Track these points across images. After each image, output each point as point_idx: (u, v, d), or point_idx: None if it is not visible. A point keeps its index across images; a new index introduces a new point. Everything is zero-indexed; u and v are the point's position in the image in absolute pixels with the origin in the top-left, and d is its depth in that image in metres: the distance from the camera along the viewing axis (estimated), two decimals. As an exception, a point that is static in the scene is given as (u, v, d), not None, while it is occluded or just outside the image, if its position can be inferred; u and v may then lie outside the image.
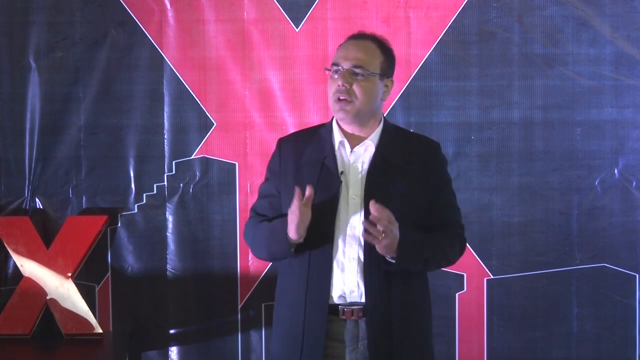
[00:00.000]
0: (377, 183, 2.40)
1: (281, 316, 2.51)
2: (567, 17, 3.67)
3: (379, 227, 2.27)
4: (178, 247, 3.74)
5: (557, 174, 3.70)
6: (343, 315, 2.40)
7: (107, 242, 3.74)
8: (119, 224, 3.74)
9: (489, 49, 3.68)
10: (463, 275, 3.72)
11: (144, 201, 3.74)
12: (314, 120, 3.58)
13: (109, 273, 3.75)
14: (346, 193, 2.41)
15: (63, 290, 3.64)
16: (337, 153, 2.46)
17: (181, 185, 3.74)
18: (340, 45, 2.50)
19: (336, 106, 2.42)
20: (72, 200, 3.74)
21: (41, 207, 3.73)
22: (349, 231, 2.40)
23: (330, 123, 2.52)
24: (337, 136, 2.47)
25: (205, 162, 3.73)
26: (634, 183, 3.70)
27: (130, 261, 3.75)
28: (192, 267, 3.74)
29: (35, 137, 3.71)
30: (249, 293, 3.72)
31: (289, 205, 2.40)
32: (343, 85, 2.40)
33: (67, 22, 3.69)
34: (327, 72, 2.49)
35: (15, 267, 3.68)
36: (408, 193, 2.42)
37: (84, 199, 3.74)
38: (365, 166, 2.43)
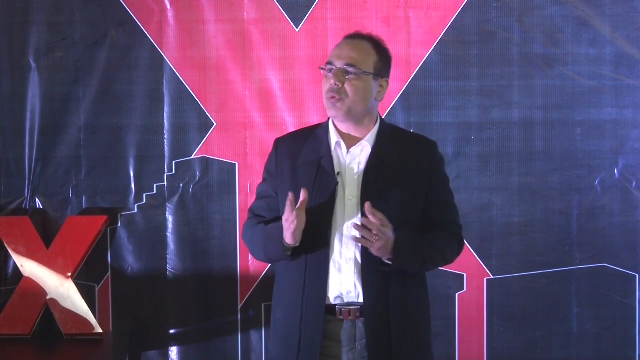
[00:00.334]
0: (373, 184, 2.40)
1: (278, 317, 2.51)
2: (567, 17, 3.67)
3: (373, 231, 2.27)
4: (178, 247, 3.74)
5: (557, 174, 3.70)
6: (340, 315, 2.40)
7: (107, 242, 3.74)
8: (119, 224, 3.74)
9: (489, 49, 3.68)
10: (463, 275, 3.72)
11: (144, 201, 3.74)
12: (314, 120, 3.58)
13: (109, 273, 3.75)
14: (342, 194, 2.41)
15: (63, 290, 3.64)
16: (334, 154, 2.46)
17: (181, 185, 3.74)
18: (336, 46, 2.51)
19: (328, 104, 2.43)
20: (72, 200, 3.74)
21: (41, 207, 3.73)
22: (345, 232, 2.40)
23: (327, 123, 2.52)
24: (334, 136, 2.47)
25: (205, 162, 3.73)
26: (634, 183, 3.70)
27: (130, 261, 3.75)
28: (192, 267, 3.74)
29: (35, 137, 3.71)
30: (249, 293, 3.72)
31: (285, 205, 2.41)
32: (335, 84, 2.40)
33: (67, 22, 3.69)
34: (322, 71, 2.49)
35: (15, 267, 3.68)
36: (405, 193, 2.42)
37: (84, 199, 3.74)
38: (362, 167, 2.43)
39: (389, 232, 2.30)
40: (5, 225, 3.65)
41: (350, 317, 2.39)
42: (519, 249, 3.72)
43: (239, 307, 3.73)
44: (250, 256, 3.69)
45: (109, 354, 3.52)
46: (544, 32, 3.67)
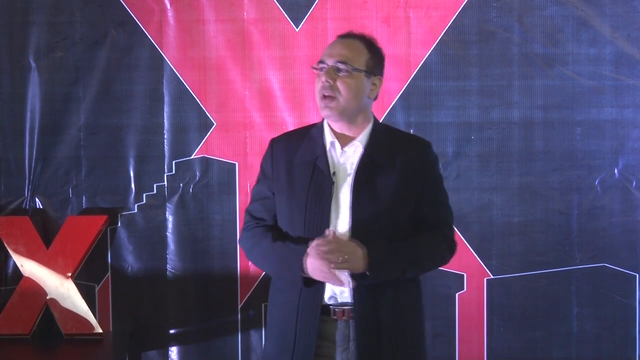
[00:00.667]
0: (364, 184, 2.40)
1: (274, 316, 2.51)
2: (567, 17, 3.67)
3: (334, 254, 2.28)
4: (178, 247, 3.74)
5: (557, 174, 3.70)
6: (334, 315, 2.40)
7: (107, 242, 3.74)
8: (119, 224, 3.74)
9: (489, 49, 3.68)
10: (463, 275, 3.72)
11: (144, 201, 3.74)
12: (314, 120, 3.56)
13: (109, 273, 3.75)
14: (336, 194, 2.41)
15: (63, 290, 3.64)
16: (329, 153, 2.46)
17: (181, 185, 3.74)
18: (329, 44, 2.51)
19: (321, 103, 2.43)
20: (72, 200, 3.74)
21: (41, 207, 3.74)
22: (339, 232, 2.39)
23: (322, 123, 2.52)
24: (328, 136, 2.47)
25: (205, 162, 3.73)
26: (634, 183, 3.70)
27: (130, 261, 3.75)
28: (192, 267, 3.74)
29: (35, 137, 3.71)
30: (249, 293, 3.72)
31: (283, 205, 2.44)
32: (327, 82, 2.40)
33: (67, 22, 3.69)
34: (314, 70, 2.49)
35: (15, 267, 3.68)
36: (397, 193, 2.41)
37: (84, 199, 3.74)
38: (354, 167, 2.43)
39: (357, 251, 2.31)
40: (5, 225, 3.65)
41: (344, 317, 2.40)
42: (519, 249, 3.72)
43: (239, 307, 3.73)
44: (250, 256, 3.69)
45: (109, 354, 3.52)
46: (544, 32, 3.68)
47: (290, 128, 3.62)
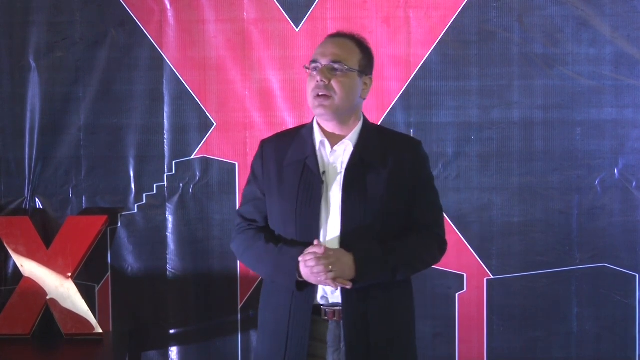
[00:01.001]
0: (354, 183, 2.40)
1: (266, 317, 2.51)
2: (567, 17, 3.67)
3: (324, 267, 2.29)
4: (178, 247, 3.74)
5: (557, 174, 3.70)
6: (325, 316, 2.40)
7: (107, 242, 3.74)
8: (119, 224, 3.74)
9: (489, 49, 3.68)
10: (463, 275, 3.72)
11: (144, 201, 3.74)
12: (314, 120, 3.58)
13: (109, 273, 3.75)
14: (327, 193, 2.41)
15: (63, 290, 3.64)
16: (318, 153, 2.45)
17: (181, 185, 3.74)
18: (319, 44, 2.51)
19: (315, 102, 2.42)
20: (72, 200, 3.74)
21: (41, 207, 3.74)
22: (329, 231, 2.40)
23: (312, 123, 2.52)
24: (318, 136, 2.47)
25: (205, 162, 3.73)
26: (634, 183, 3.70)
27: (130, 261, 3.75)
28: (192, 267, 3.74)
29: (35, 137, 3.71)
30: (249, 293, 3.72)
31: (274, 206, 2.44)
32: (322, 81, 2.40)
33: (67, 22, 3.69)
34: (306, 70, 2.48)
35: (15, 267, 3.68)
36: (387, 192, 2.41)
37: (84, 199, 3.74)
38: (344, 166, 2.43)
39: (344, 257, 2.31)
40: (5, 225, 3.65)
41: (335, 318, 2.40)
42: (519, 249, 3.72)
43: (239, 307, 3.73)
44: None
45: (109, 354, 3.52)
46: (544, 32, 3.68)
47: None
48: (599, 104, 3.69)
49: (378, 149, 2.46)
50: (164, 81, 3.71)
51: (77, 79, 3.71)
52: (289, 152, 2.47)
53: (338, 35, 2.51)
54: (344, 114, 2.45)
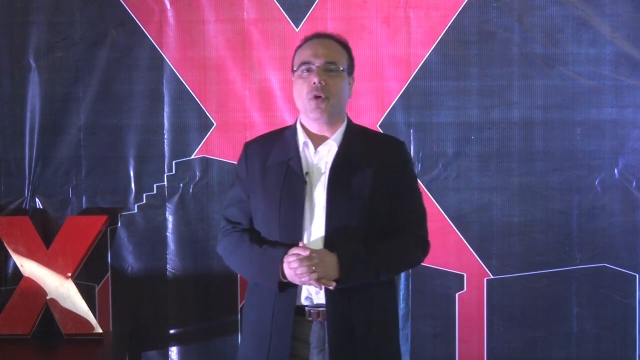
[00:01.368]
0: (339, 183, 2.40)
1: (250, 317, 2.51)
2: (567, 17, 3.68)
3: (308, 268, 2.29)
4: (178, 247, 3.74)
5: (557, 174, 3.70)
6: (309, 316, 2.40)
7: (107, 242, 3.74)
8: (119, 224, 3.74)
9: (489, 49, 3.68)
10: (463, 275, 3.73)
11: (144, 201, 3.74)
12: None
13: (109, 273, 3.75)
14: (310, 194, 2.41)
15: (63, 290, 3.64)
16: (302, 154, 2.45)
17: (181, 185, 3.74)
18: (302, 47, 2.50)
19: (311, 104, 2.42)
20: (72, 200, 3.74)
21: (41, 207, 3.74)
22: (313, 232, 2.40)
23: (295, 124, 2.52)
24: (301, 137, 2.47)
25: (205, 162, 3.73)
26: (634, 183, 3.70)
27: (130, 261, 3.75)
28: (192, 267, 3.74)
29: (35, 137, 3.71)
30: (249, 293, 3.72)
31: (258, 208, 2.44)
32: (320, 82, 2.40)
33: (67, 22, 3.69)
34: (294, 73, 2.48)
35: (15, 267, 3.68)
36: (371, 192, 2.41)
37: (84, 199, 3.74)
38: (328, 166, 2.43)
39: (327, 257, 2.31)
40: (5, 225, 3.65)
41: (319, 319, 2.40)
42: (519, 249, 3.72)
43: (239, 307, 3.73)
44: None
45: (109, 354, 3.52)
46: (544, 32, 3.68)
47: (290, 128, 3.63)
48: (599, 104, 3.69)
49: (362, 150, 2.46)
50: (164, 81, 3.71)
51: (77, 79, 3.71)
52: (273, 154, 2.48)
53: (322, 36, 2.51)
54: (335, 115, 2.46)
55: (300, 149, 2.46)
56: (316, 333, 2.40)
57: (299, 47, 2.52)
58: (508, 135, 3.70)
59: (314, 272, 2.30)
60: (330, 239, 2.36)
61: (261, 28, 3.69)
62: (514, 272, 3.72)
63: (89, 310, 3.64)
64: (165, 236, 3.74)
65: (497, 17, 3.67)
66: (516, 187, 3.71)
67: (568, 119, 3.70)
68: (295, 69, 2.48)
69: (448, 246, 3.69)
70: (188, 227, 3.74)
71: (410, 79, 3.68)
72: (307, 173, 2.42)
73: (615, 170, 3.70)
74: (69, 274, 3.63)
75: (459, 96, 3.69)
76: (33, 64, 3.70)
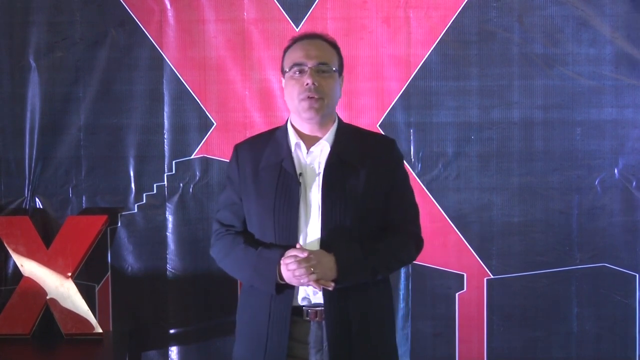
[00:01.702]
0: (333, 183, 2.40)
1: (245, 319, 2.51)
2: (567, 17, 3.68)
3: (306, 269, 2.29)
4: (178, 247, 3.74)
5: (557, 174, 3.70)
6: (307, 316, 2.40)
7: (107, 242, 3.74)
8: (119, 224, 3.74)
9: (489, 49, 3.68)
10: (463, 275, 3.72)
11: (144, 201, 3.74)
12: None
13: (109, 273, 3.75)
14: (305, 194, 2.41)
15: (63, 290, 3.64)
16: (294, 155, 2.45)
17: (181, 185, 3.74)
18: (291, 47, 2.49)
19: (304, 104, 2.41)
20: (72, 200, 3.74)
21: (41, 207, 3.74)
22: (309, 233, 2.40)
23: (285, 125, 2.52)
24: (293, 138, 2.47)
25: (205, 162, 3.73)
26: (634, 183, 3.70)
27: (130, 261, 3.75)
28: (192, 267, 3.74)
29: (35, 137, 3.71)
30: (249, 293, 3.71)
31: (251, 210, 2.44)
32: (314, 83, 2.39)
33: (67, 22, 3.69)
34: (285, 74, 2.47)
35: (15, 267, 3.68)
36: (365, 191, 2.41)
37: (84, 199, 3.74)
38: (322, 166, 2.43)
39: (325, 259, 2.31)
40: (5, 225, 3.65)
41: (317, 319, 2.40)
42: (519, 249, 3.72)
43: (239, 307, 3.73)
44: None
45: (109, 354, 3.52)
46: (544, 32, 3.68)
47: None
48: (599, 104, 3.69)
49: (354, 149, 2.46)
50: (164, 81, 3.71)
51: (77, 79, 3.71)
52: (264, 156, 2.47)
53: (312, 36, 2.50)
54: (328, 115, 2.46)
55: (293, 150, 2.45)
56: (314, 333, 2.40)
57: (288, 47, 2.51)
58: (508, 135, 3.70)
59: (312, 273, 2.30)
60: (327, 240, 2.36)
61: (261, 28, 3.69)
62: (514, 272, 3.72)
63: (89, 310, 3.64)
64: (165, 236, 3.74)
65: (497, 17, 3.67)
66: (516, 187, 3.71)
67: (568, 119, 3.70)
68: (286, 70, 2.47)
69: (448, 246, 3.68)
70: (188, 227, 3.74)
71: (410, 79, 3.68)
72: (300, 174, 2.42)
73: (615, 170, 3.70)
74: (69, 274, 3.63)
75: (459, 96, 3.69)
76: (33, 64, 3.70)
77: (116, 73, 3.71)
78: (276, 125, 3.62)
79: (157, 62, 3.70)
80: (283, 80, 2.52)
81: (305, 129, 2.47)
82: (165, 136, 3.73)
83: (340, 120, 2.52)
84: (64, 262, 3.63)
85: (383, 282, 2.50)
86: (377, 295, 2.46)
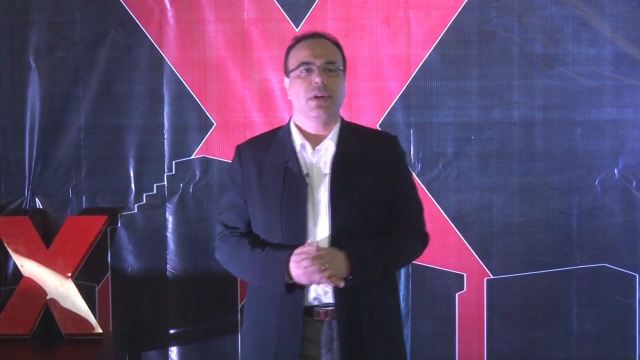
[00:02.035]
0: (341, 182, 2.40)
1: (253, 321, 2.50)
2: (567, 17, 3.68)
3: (319, 267, 2.29)
4: (178, 247, 3.74)
5: (557, 174, 3.70)
6: (317, 316, 2.40)
7: (107, 242, 3.74)
8: (119, 224, 3.74)
9: (489, 49, 3.68)
10: (463, 275, 3.73)
11: (144, 201, 3.74)
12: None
13: (109, 273, 3.75)
14: (312, 194, 2.40)
15: (63, 290, 3.64)
16: (299, 155, 2.45)
17: (181, 185, 3.74)
18: (296, 47, 2.49)
19: (312, 103, 2.41)
20: (72, 200, 3.74)
21: (41, 207, 3.74)
22: (318, 232, 2.39)
23: (288, 125, 2.51)
24: (298, 138, 2.46)
25: (205, 162, 3.74)
26: (634, 183, 3.70)
27: (130, 261, 3.75)
28: (192, 267, 3.74)
29: (35, 137, 3.71)
30: (249, 293, 3.72)
31: (257, 211, 2.43)
32: (323, 82, 2.39)
33: (67, 22, 3.69)
34: (289, 73, 2.47)
35: (15, 267, 3.68)
36: (371, 189, 2.42)
37: (84, 199, 3.74)
38: (328, 166, 2.42)
39: (337, 256, 2.31)
40: (5, 225, 3.65)
41: (327, 318, 2.39)
42: (519, 249, 3.72)
43: (239, 307, 3.73)
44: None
45: (109, 354, 3.52)
46: (544, 32, 3.68)
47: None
48: (599, 104, 3.69)
49: (359, 147, 2.46)
50: (164, 81, 3.71)
51: (77, 79, 3.71)
52: (268, 156, 2.46)
53: (316, 36, 2.50)
54: (333, 114, 2.46)
55: (297, 150, 2.45)
56: (325, 332, 2.40)
57: (292, 46, 2.50)
58: (508, 135, 3.70)
59: (325, 270, 2.29)
60: (337, 239, 2.36)
61: (261, 28, 3.69)
62: (514, 272, 3.72)
63: (89, 310, 3.64)
64: (165, 236, 3.74)
65: (497, 17, 3.67)
66: (516, 187, 3.71)
67: (568, 119, 3.70)
68: (292, 69, 2.46)
69: (448, 246, 3.69)
70: (188, 227, 3.74)
71: (410, 79, 3.68)
72: (307, 174, 2.41)
73: (615, 170, 3.70)
74: (69, 274, 3.63)
75: (459, 96, 3.69)
76: (33, 64, 3.70)
77: (116, 73, 3.71)
78: (276, 125, 3.66)
79: (157, 62, 3.70)
80: (286, 80, 2.51)
81: (310, 128, 2.47)
82: (165, 136, 3.73)
83: (342, 119, 2.52)
84: (64, 262, 3.63)
85: (391, 281, 2.52)
86: (385, 294, 2.47)
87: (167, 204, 3.74)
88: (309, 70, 2.42)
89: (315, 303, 2.40)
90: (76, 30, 3.70)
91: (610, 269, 3.71)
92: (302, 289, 2.38)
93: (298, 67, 2.44)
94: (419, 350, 3.69)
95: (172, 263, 3.74)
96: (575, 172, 3.70)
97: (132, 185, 3.74)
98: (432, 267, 3.67)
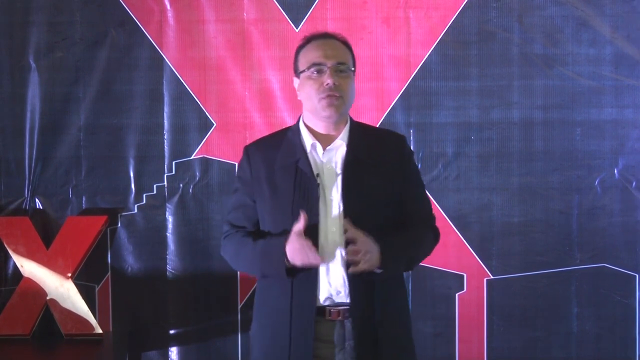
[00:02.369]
0: (352, 182, 2.40)
1: (263, 322, 2.49)
2: (567, 17, 3.68)
3: (360, 255, 2.28)
4: (178, 247, 3.74)
5: (557, 174, 3.71)
6: (329, 316, 2.39)
7: (107, 242, 3.74)
8: (119, 224, 3.74)
9: (489, 49, 3.68)
10: (463, 275, 3.73)
11: (144, 201, 3.74)
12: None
13: (109, 273, 3.75)
14: (323, 194, 2.40)
15: (63, 290, 3.64)
16: (310, 155, 2.44)
17: (181, 185, 3.74)
18: (306, 47, 2.48)
19: (324, 103, 2.40)
20: (72, 200, 3.74)
21: (41, 207, 3.74)
22: (330, 233, 2.39)
23: (297, 125, 2.51)
24: (308, 138, 2.46)
25: (205, 162, 3.74)
26: (634, 183, 3.70)
27: (130, 261, 3.75)
28: (192, 267, 3.74)
29: (35, 137, 3.71)
30: (249, 293, 3.72)
31: (266, 212, 2.42)
32: (335, 82, 2.39)
33: (67, 22, 3.69)
34: (299, 74, 2.46)
35: (15, 267, 3.68)
36: (383, 189, 2.42)
37: (84, 199, 3.74)
38: (339, 166, 2.42)
39: (373, 248, 2.31)
40: (5, 225, 3.65)
41: (340, 318, 2.39)
42: (519, 249, 3.72)
43: (239, 307, 3.73)
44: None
45: (109, 354, 3.52)
46: (544, 32, 3.68)
47: (290, 128, 3.63)
48: (599, 104, 3.69)
49: (369, 147, 2.46)
50: (164, 81, 3.71)
51: (77, 79, 3.71)
52: (278, 157, 2.45)
53: (326, 36, 2.49)
54: (344, 114, 2.46)
55: (308, 149, 2.45)
56: (337, 332, 2.39)
57: (302, 47, 2.49)
58: (508, 135, 3.70)
59: (366, 259, 2.28)
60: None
61: (261, 28, 3.69)
62: (514, 272, 3.72)
63: (89, 311, 3.64)
64: (165, 236, 3.74)
65: (497, 17, 3.67)
66: (516, 187, 3.71)
67: (568, 119, 3.70)
68: (303, 69, 2.45)
69: (448, 246, 3.68)
70: (188, 228, 3.74)
71: (410, 79, 3.68)
72: (317, 175, 2.41)
73: (615, 171, 3.70)
74: (69, 274, 3.63)
75: (458, 96, 3.69)
76: (33, 64, 3.70)
77: (116, 73, 3.71)
78: (275, 126, 3.68)
79: (157, 62, 3.70)
80: (295, 80, 2.51)
81: (321, 128, 2.47)
82: (165, 136, 3.73)
83: (351, 119, 2.52)
84: (64, 263, 3.63)
85: (401, 281, 2.53)
86: (396, 293, 2.48)
87: (167, 204, 3.74)
88: (320, 71, 2.41)
89: (328, 303, 2.39)
90: (76, 30, 3.70)
91: (610, 269, 3.71)
92: (315, 287, 2.36)
93: (309, 67, 2.43)
94: (419, 350, 3.63)
95: (172, 263, 3.74)
96: (575, 172, 3.70)
97: (132, 186, 3.74)
98: (432, 267, 3.68)
